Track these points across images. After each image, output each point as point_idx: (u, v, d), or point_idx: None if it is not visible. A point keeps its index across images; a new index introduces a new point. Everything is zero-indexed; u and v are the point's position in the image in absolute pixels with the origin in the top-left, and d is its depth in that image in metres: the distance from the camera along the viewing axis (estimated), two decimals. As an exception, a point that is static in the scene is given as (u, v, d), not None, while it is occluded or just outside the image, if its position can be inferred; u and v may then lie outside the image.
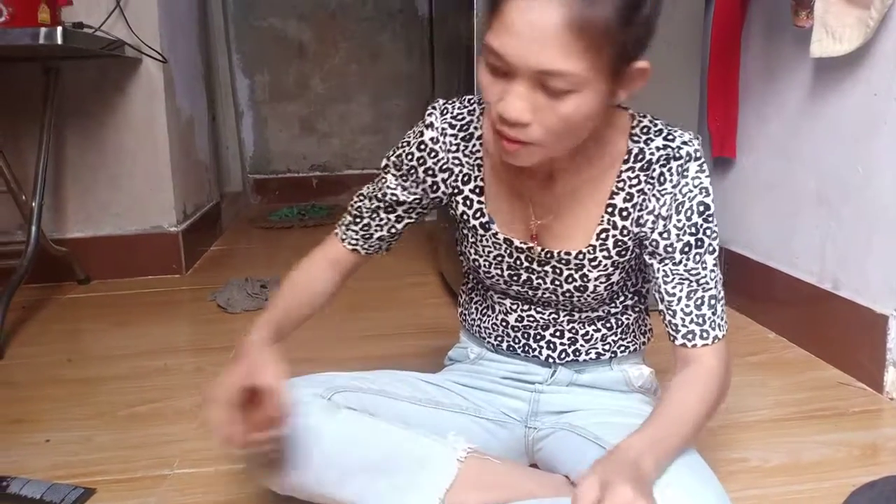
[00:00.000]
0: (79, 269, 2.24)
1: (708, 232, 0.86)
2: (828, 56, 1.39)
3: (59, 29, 1.64)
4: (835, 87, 1.47)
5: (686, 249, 0.85)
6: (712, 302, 0.86)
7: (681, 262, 0.86)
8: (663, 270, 0.87)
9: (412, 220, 1.01)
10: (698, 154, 0.85)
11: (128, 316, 1.96)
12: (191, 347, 1.73)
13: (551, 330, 0.99)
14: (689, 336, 0.86)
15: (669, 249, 0.86)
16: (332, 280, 1.02)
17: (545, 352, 1.00)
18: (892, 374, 1.34)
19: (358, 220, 1.00)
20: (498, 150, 0.80)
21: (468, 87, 1.71)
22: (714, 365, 0.86)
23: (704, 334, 0.86)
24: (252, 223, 3.22)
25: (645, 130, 0.87)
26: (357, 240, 1.01)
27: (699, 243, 0.85)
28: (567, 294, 0.94)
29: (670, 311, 0.87)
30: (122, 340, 1.77)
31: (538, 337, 1.00)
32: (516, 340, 1.02)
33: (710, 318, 0.86)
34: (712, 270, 0.86)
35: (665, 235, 0.86)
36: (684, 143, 0.86)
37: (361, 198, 1.01)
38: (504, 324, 1.02)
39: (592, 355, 0.99)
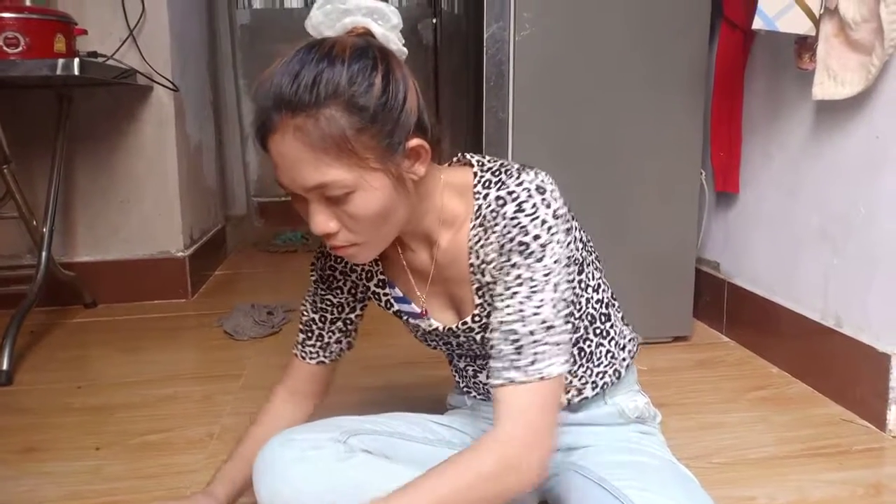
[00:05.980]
0: (86, 294, 2.26)
1: (527, 270, 0.81)
2: (830, 99, 1.42)
3: (76, 60, 1.67)
4: (837, 127, 1.50)
5: (510, 293, 0.81)
6: (514, 337, 0.79)
7: (502, 297, 0.82)
8: (494, 305, 0.84)
9: (360, 315, 1.07)
10: (518, 195, 0.81)
11: (135, 341, 1.97)
12: (199, 375, 1.73)
13: None
14: (490, 371, 0.81)
15: (499, 289, 0.83)
16: (298, 416, 1.05)
17: None
18: (895, 413, 1.36)
19: (310, 334, 1.05)
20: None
21: (476, 112, 1.74)
22: (507, 430, 0.78)
23: (496, 373, 0.80)
24: (256, 246, 3.24)
25: (486, 185, 0.86)
26: (316, 352, 1.05)
27: (519, 284, 0.81)
28: None
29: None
30: (130, 367, 1.78)
31: None
32: None
33: (507, 353, 0.79)
34: (521, 303, 0.80)
35: (496, 276, 0.84)
36: (509, 185, 0.83)
37: (305, 313, 1.06)
38: (480, 382, 1.06)
39: (574, 393, 0.99)
